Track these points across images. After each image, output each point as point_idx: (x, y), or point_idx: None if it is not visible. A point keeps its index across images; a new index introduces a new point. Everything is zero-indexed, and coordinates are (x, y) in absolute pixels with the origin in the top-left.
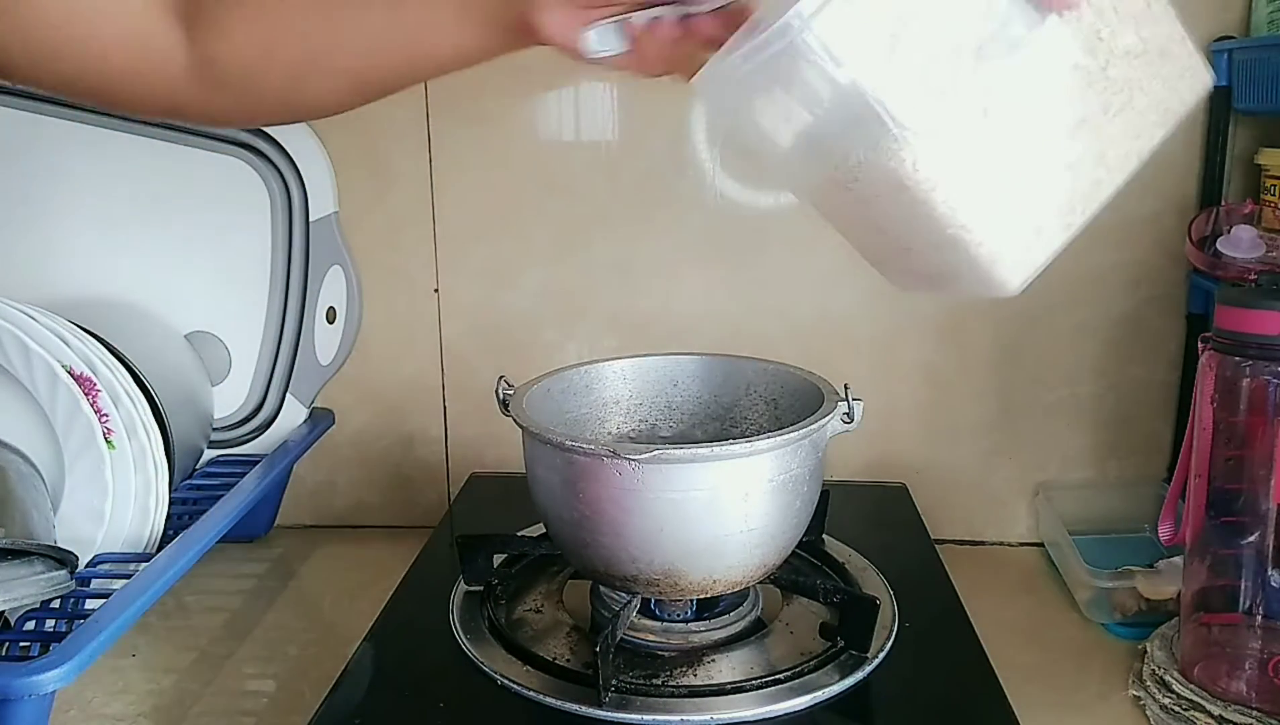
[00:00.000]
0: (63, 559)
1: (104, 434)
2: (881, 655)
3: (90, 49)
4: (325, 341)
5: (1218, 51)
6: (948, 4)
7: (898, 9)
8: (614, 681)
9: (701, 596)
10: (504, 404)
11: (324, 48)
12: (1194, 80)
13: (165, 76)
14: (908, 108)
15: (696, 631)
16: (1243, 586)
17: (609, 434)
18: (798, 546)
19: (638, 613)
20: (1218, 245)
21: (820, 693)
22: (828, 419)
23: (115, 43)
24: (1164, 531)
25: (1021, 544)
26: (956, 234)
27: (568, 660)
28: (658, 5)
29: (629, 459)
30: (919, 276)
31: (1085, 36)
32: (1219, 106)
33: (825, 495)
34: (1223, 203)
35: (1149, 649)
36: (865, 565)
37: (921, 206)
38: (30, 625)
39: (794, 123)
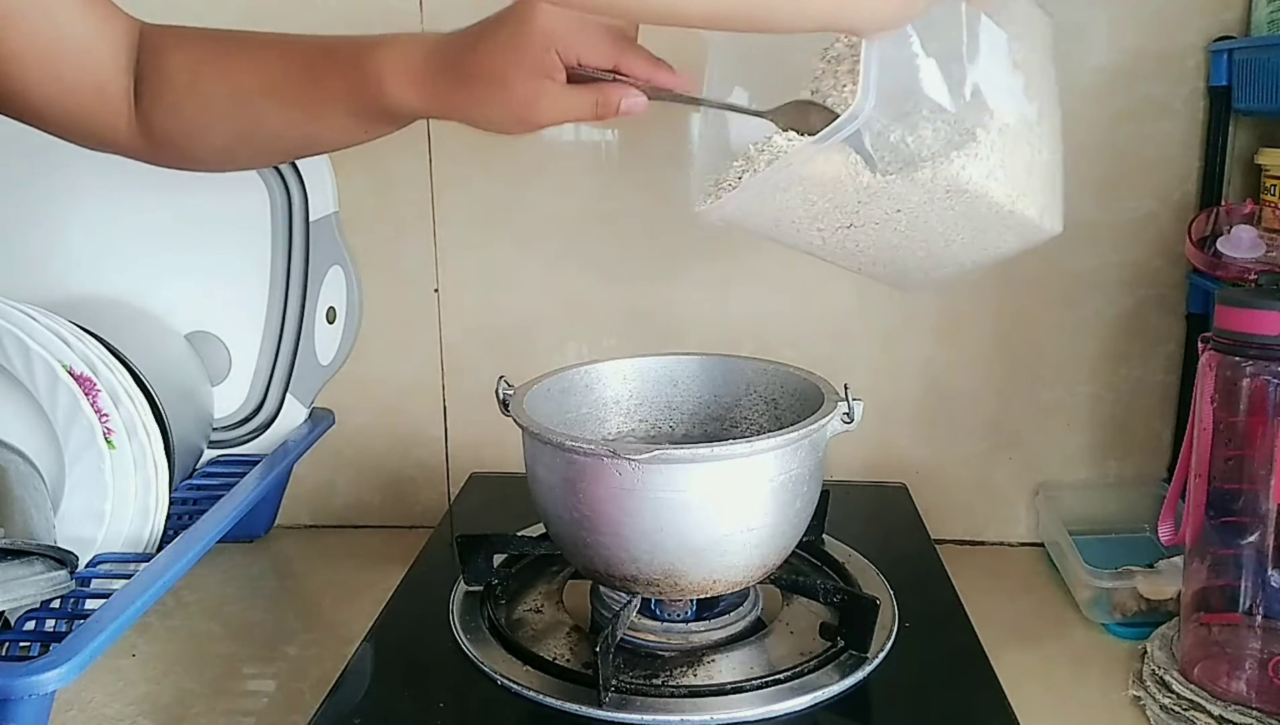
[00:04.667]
0: (63, 559)
1: (104, 434)
2: (881, 655)
3: (55, 88)
4: (325, 341)
5: (1217, 51)
6: (947, 39)
7: (913, 60)
8: (614, 681)
9: (701, 596)
10: (504, 404)
11: (248, 132)
12: (1046, 29)
13: (114, 125)
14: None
15: (696, 631)
16: (1243, 586)
17: (609, 434)
18: (798, 546)
19: (638, 613)
20: (1218, 245)
21: (820, 693)
22: (828, 419)
23: (77, 85)
24: (1164, 531)
25: (1021, 544)
26: (1012, 208)
27: (568, 660)
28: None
29: (629, 459)
30: (951, 266)
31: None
32: (1219, 106)
33: (825, 495)
34: (1223, 203)
35: (1149, 649)
36: (865, 565)
37: (980, 201)
38: (30, 625)
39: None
